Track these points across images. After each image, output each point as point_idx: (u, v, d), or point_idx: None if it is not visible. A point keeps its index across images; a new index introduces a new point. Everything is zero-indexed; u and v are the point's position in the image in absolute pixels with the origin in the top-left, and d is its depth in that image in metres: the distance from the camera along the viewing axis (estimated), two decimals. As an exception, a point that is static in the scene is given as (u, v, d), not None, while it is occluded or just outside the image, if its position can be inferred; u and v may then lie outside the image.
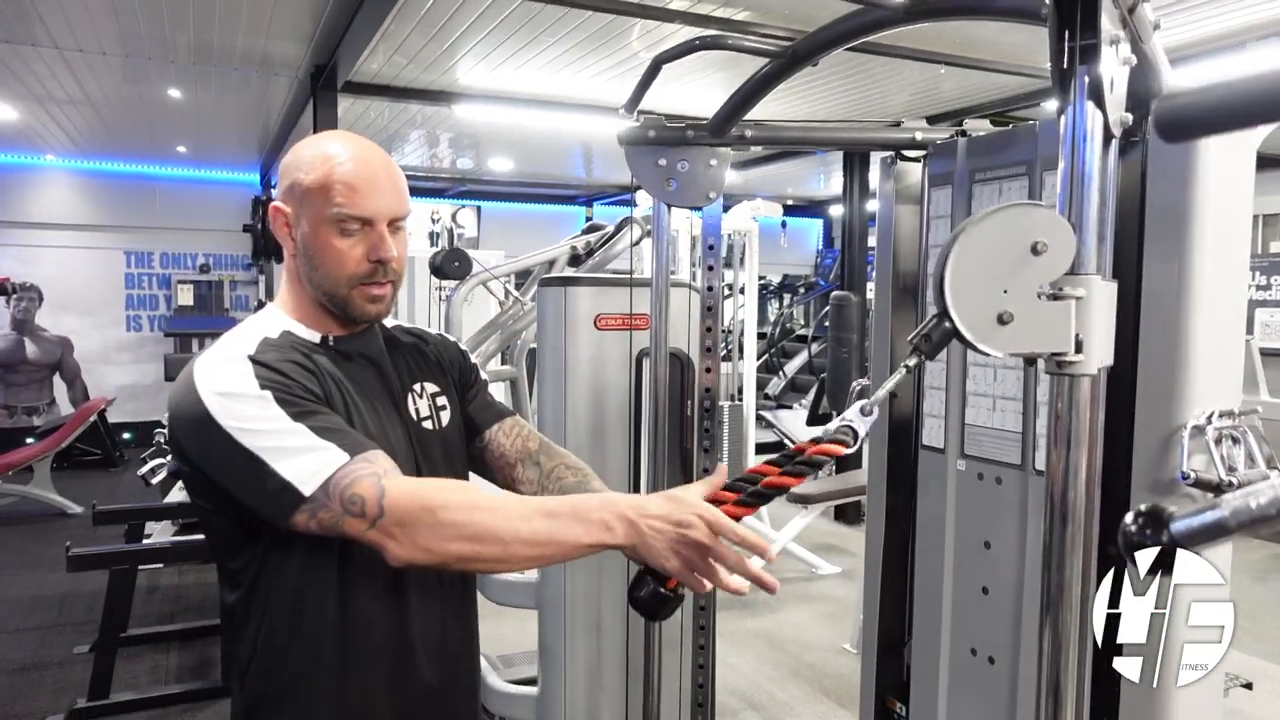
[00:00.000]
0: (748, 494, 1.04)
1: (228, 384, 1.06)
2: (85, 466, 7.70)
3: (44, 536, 5.60)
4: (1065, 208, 1.05)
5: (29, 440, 7.14)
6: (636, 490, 2.62)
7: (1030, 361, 1.11)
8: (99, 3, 3.86)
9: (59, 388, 8.79)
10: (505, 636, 3.93)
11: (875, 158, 6.31)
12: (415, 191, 8.57)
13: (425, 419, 1.27)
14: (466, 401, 1.38)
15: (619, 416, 2.62)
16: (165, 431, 4.92)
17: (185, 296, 8.94)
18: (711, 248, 2.07)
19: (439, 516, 1.01)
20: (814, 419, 6.82)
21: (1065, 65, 1.05)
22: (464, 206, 10.12)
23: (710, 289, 2.08)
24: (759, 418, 6.57)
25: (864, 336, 6.53)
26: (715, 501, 1.06)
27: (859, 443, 1.06)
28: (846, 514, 6.16)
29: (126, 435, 8.44)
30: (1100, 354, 1.03)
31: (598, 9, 3.72)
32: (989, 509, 1.76)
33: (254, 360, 1.09)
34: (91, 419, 6.94)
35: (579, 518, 1.02)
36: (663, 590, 1.00)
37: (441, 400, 1.31)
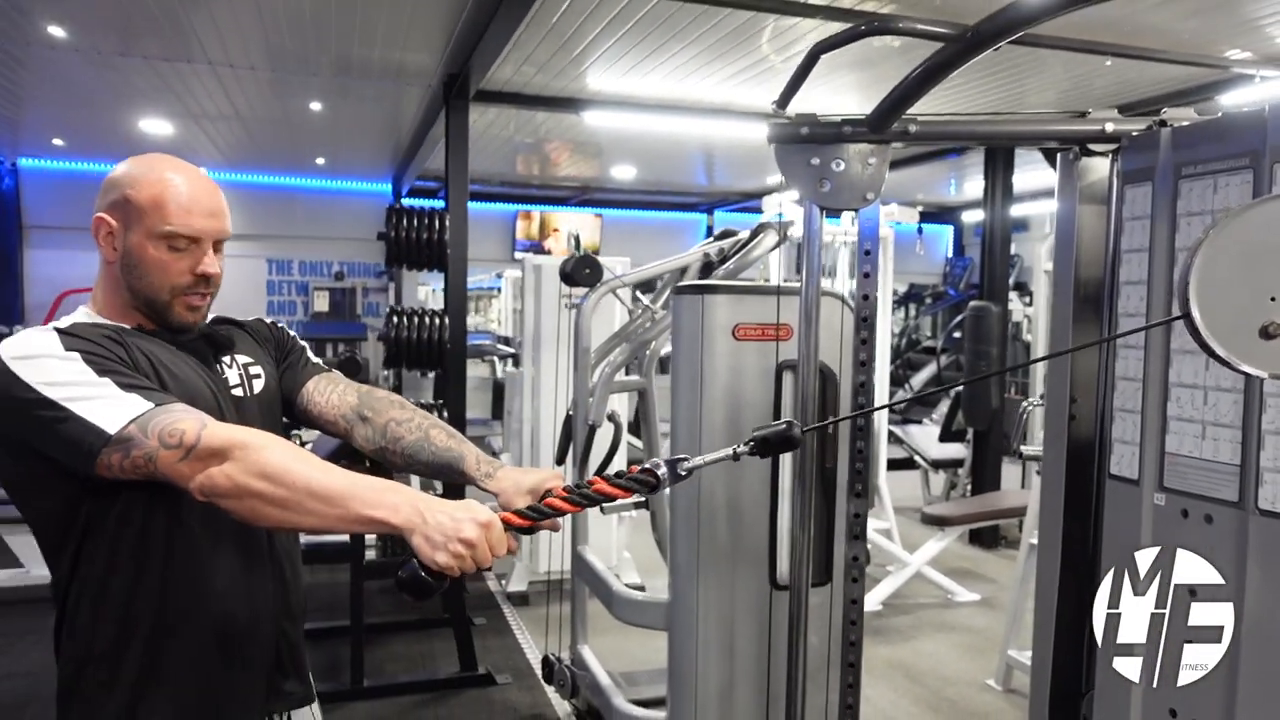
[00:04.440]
0: (530, 509, 1.13)
1: (32, 349, 1.14)
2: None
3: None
4: (1357, 198, 0.87)
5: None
6: (774, 516, 2.49)
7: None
8: (249, 20, 4.02)
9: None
10: (628, 653, 3.84)
11: (1021, 157, 5.98)
12: (536, 200, 8.70)
13: (235, 386, 1.35)
14: (281, 370, 1.48)
15: (757, 432, 2.48)
16: (299, 434, 5.08)
17: (321, 303, 9.33)
18: (868, 253, 1.92)
19: (247, 452, 1.09)
20: (946, 435, 6.50)
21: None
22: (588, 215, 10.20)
23: (866, 298, 1.92)
24: (889, 433, 6.29)
25: (1004, 349, 6.17)
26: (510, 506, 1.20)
27: (654, 492, 1.15)
28: (983, 537, 5.80)
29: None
30: (1405, 380, 0.84)
31: (734, 5, 3.60)
32: (1195, 550, 1.55)
33: (59, 330, 1.18)
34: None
35: (373, 489, 1.07)
36: (425, 575, 1.05)
37: (255, 370, 1.40)
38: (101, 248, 1.26)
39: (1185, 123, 1.62)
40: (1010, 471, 6.15)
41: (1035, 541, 3.70)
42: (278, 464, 1.08)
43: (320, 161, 8.06)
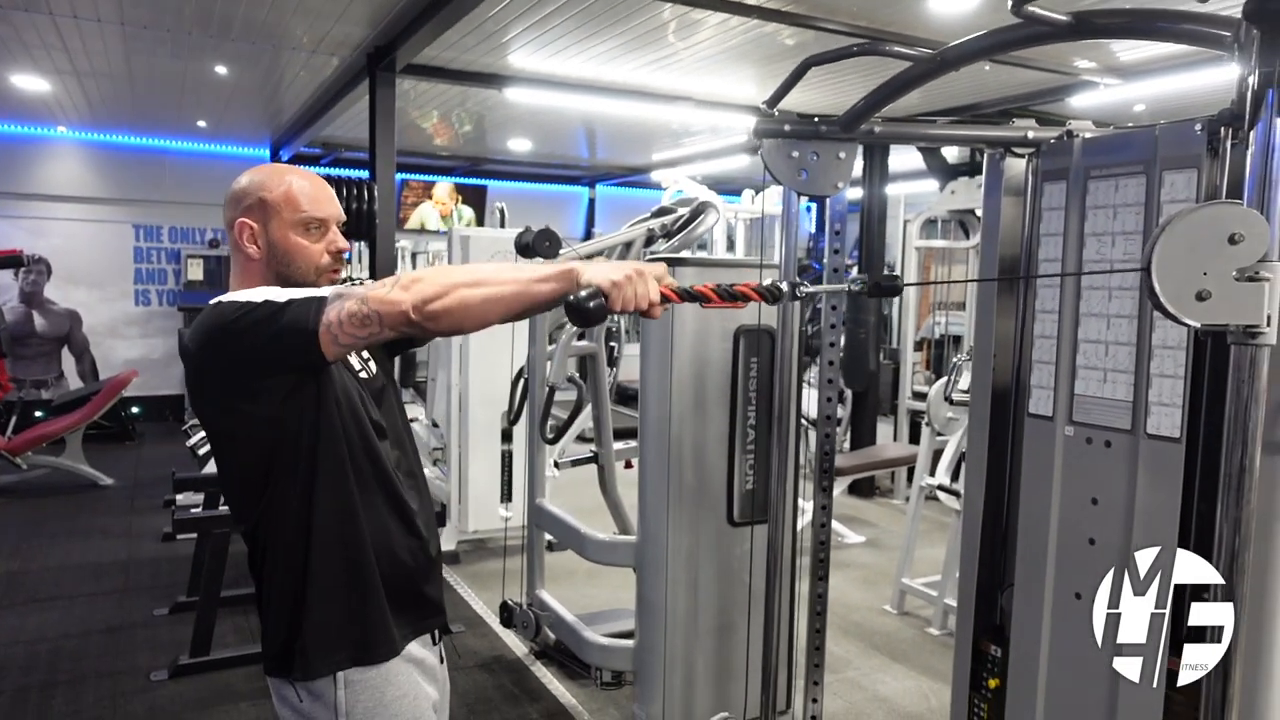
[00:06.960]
0: (683, 290, 1.38)
1: (236, 296, 1.35)
2: (101, 440, 7.70)
3: (85, 507, 5.68)
4: (1258, 205, 1.27)
5: (38, 414, 7.13)
6: (731, 462, 2.86)
7: (1207, 333, 1.33)
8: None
9: (67, 361, 8.81)
10: (570, 600, 4.13)
11: (895, 148, 6.53)
12: (423, 169, 8.67)
13: (359, 370, 1.56)
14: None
15: (720, 387, 2.83)
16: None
17: (195, 271, 8.94)
18: (838, 233, 2.28)
19: (437, 269, 1.33)
20: (825, 397, 7.08)
21: (1258, 87, 1.27)
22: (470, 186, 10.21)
23: (835, 271, 2.28)
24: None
25: (880, 318, 6.79)
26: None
27: (774, 304, 1.46)
28: (861, 489, 6.42)
29: (135, 409, 8.43)
30: (1281, 328, 1.25)
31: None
32: (1097, 469, 1.95)
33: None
34: (122, 393, 6.95)
35: (551, 267, 1.29)
36: (594, 300, 1.25)
37: (365, 354, 1.60)
38: (245, 248, 1.46)
39: (1089, 134, 2.04)
40: (883, 429, 6.81)
41: (926, 483, 4.26)
42: (463, 267, 1.30)
43: (202, 124, 7.72)
